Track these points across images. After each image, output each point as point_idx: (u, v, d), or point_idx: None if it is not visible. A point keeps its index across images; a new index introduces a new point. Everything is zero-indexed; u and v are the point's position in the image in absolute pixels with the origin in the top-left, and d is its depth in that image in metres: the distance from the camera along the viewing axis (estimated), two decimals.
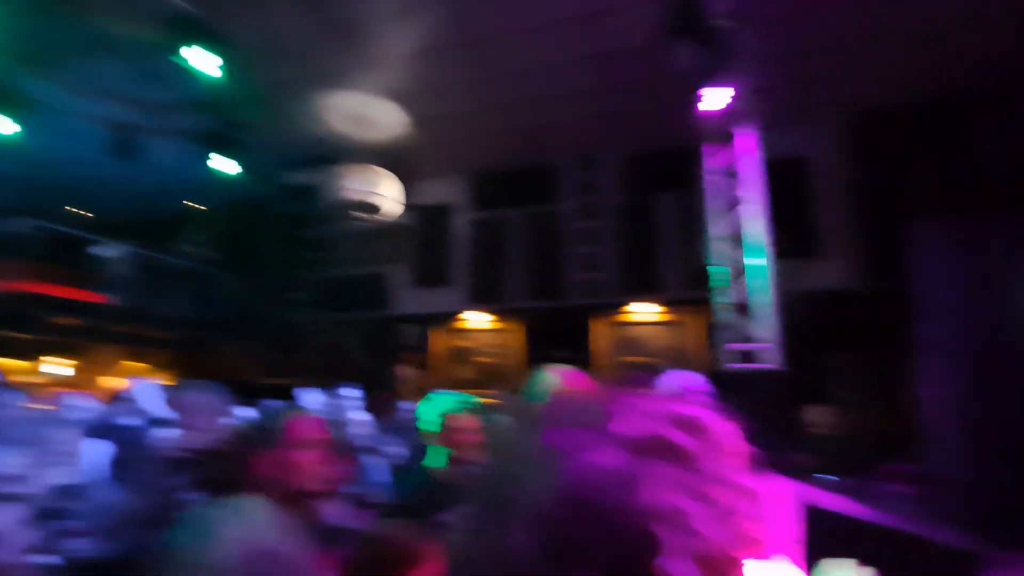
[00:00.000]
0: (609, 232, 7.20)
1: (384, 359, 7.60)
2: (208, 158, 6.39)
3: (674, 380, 2.45)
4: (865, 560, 2.04)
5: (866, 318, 5.32)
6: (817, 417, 4.91)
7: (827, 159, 6.40)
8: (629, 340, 7.04)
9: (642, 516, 0.36)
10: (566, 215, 7.45)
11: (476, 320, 7.78)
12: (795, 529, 2.05)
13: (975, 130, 5.81)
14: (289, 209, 8.31)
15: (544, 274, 7.43)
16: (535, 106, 6.32)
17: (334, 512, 1.86)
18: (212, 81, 4.92)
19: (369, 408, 4.44)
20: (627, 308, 7.06)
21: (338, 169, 6.64)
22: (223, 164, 6.46)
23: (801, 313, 4.93)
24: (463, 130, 6.86)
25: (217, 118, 6.23)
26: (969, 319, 3.77)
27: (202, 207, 9.10)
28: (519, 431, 0.48)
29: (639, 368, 6.66)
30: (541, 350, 7.07)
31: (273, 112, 6.32)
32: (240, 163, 6.53)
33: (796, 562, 2.02)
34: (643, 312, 7.03)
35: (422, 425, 2.16)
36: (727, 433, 0.43)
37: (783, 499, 2.20)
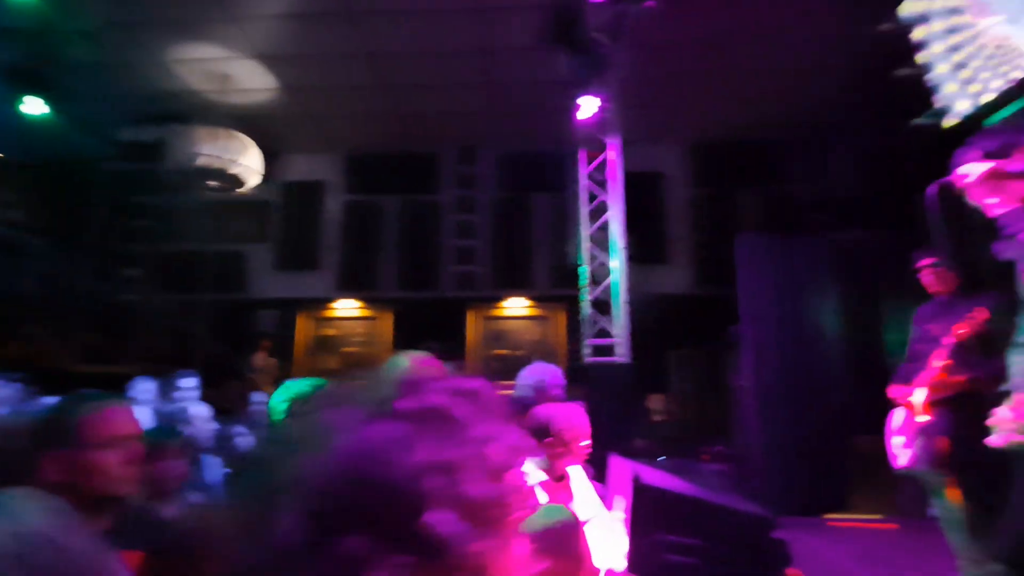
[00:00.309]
0: (485, 226, 7.31)
1: (237, 346, 6.94)
2: (19, 100, 5.30)
3: (535, 372, 2.59)
4: (683, 528, 2.32)
5: (701, 319, 6.09)
6: (656, 405, 5.51)
7: (677, 176, 7.17)
8: (499, 333, 7.23)
9: (410, 475, 0.38)
10: (444, 206, 7.42)
11: (344, 307, 7.44)
12: (628, 502, 2.28)
13: (792, 166, 6.91)
14: (125, 170, 7.20)
15: (418, 264, 7.33)
16: (418, 92, 6.20)
17: (162, 512, 1.67)
18: (23, 6, 4.08)
19: (217, 399, 4.05)
20: (499, 302, 7.24)
21: (191, 130, 5.89)
22: (39, 108, 5.41)
23: (649, 313, 5.47)
24: (340, 106, 6.49)
25: (30, 51, 5.18)
26: (776, 323, 4.52)
27: (10, 158, 7.52)
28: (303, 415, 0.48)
29: (507, 360, 6.88)
30: (412, 341, 6.97)
31: (108, 54, 5.42)
32: (61, 109, 5.51)
33: (626, 530, 2.24)
34: (513, 306, 7.26)
35: (274, 415, 2.03)
36: (500, 401, 0.48)
37: (621, 477, 2.43)
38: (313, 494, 0.37)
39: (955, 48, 3.31)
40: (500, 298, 7.26)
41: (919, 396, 2.53)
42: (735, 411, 4.97)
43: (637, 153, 5.84)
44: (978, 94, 3.18)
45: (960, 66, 3.27)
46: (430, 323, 7.15)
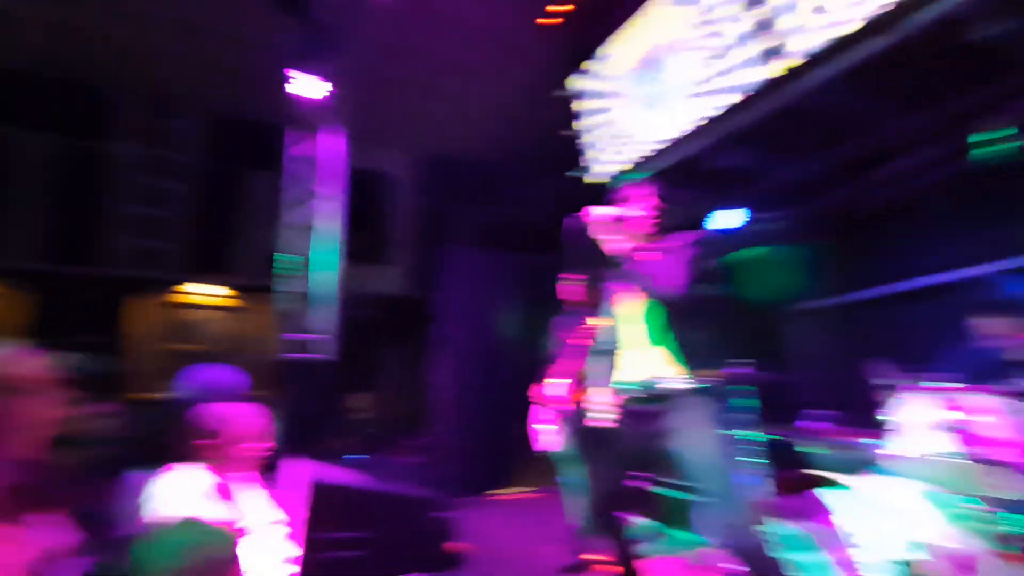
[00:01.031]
0: (180, 196, 6.17)
1: None
2: None
3: (203, 372, 2.36)
4: (355, 522, 2.37)
5: (412, 320, 6.40)
6: (360, 403, 5.53)
7: (404, 182, 7.42)
8: (183, 324, 6.17)
9: None
10: (124, 162, 5.97)
11: None
12: (304, 506, 2.22)
13: (503, 190, 7.90)
14: None
15: (74, 230, 5.72)
16: (85, 7, 4.83)
17: None
18: None
19: None
20: (183, 287, 6.18)
21: None
22: None
23: (359, 311, 5.47)
24: None
25: None
26: (469, 326, 5.12)
27: None
28: None
29: (190, 356, 5.93)
30: (53, 329, 5.40)
31: None
32: None
33: (303, 531, 2.18)
34: (205, 294, 6.30)
35: None
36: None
37: (301, 479, 2.35)
38: None
39: (594, 127, 4.36)
40: (191, 282, 6.21)
41: (554, 389, 3.18)
42: (434, 406, 5.36)
43: (365, 150, 5.78)
44: (605, 163, 4.26)
45: (594, 141, 4.33)
46: (84, 307, 5.66)
